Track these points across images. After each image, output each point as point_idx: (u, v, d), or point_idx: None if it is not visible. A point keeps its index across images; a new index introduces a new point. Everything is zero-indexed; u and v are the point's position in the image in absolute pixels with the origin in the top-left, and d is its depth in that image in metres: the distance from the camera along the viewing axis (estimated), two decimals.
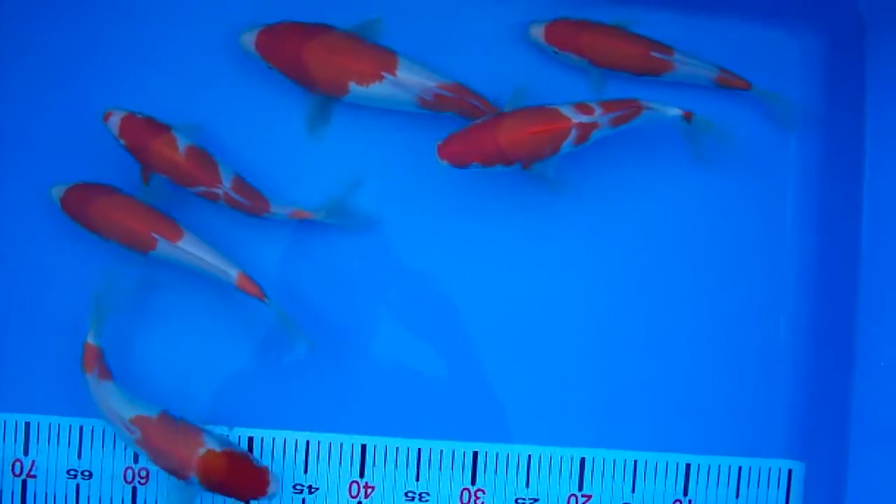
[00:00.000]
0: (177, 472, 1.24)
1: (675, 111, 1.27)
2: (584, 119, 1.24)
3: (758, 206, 1.37)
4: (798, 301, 1.37)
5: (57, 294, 1.32)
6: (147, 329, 1.32)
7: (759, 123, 1.36)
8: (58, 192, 1.26)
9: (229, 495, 1.26)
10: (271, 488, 1.26)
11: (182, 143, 1.25)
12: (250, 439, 1.32)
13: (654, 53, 1.32)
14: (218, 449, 1.24)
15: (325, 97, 1.30)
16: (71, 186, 1.26)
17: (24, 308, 1.32)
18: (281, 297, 1.30)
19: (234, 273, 1.26)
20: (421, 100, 1.28)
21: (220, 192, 1.26)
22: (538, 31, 1.32)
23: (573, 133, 1.24)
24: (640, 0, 1.34)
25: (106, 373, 1.25)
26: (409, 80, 1.27)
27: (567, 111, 1.24)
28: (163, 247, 1.25)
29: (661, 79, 1.33)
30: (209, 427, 1.29)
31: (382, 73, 1.27)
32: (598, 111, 1.25)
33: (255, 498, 1.26)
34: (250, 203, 1.28)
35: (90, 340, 1.25)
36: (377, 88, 1.27)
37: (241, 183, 1.28)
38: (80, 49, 1.33)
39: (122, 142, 1.25)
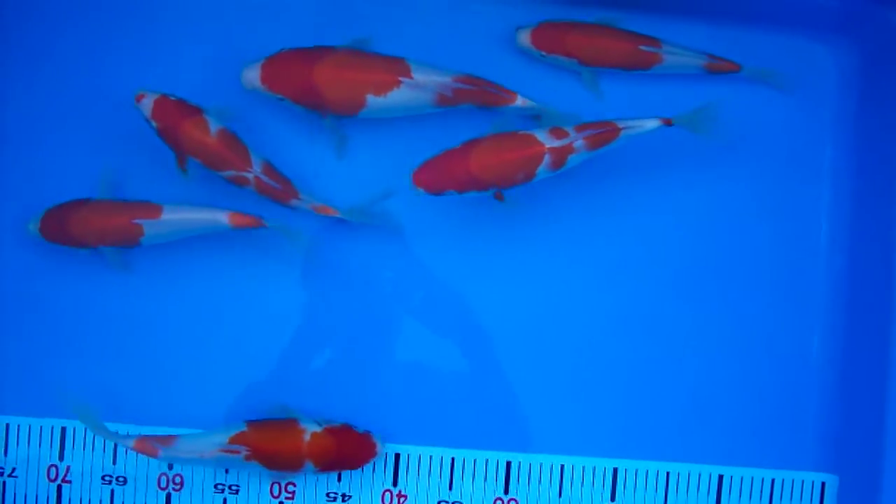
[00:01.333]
0: (292, 466, 1.24)
1: (653, 123, 1.26)
2: (558, 143, 1.24)
3: (791, 216, 1.37)
4: (831, 311, 1.36)
5: (97, 301, 1.33)
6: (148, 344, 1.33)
7: (793, 134, 1.37)
8: (34, 225, 1.27)
9: (344, 468, 1.27)
10: (378, 449, 1.26)
11: (214, 126, 1.25)
12: None
13: (642, 47, 1.32)
14: (319, 429, 1.25)
15: (337, 118, 1.30)
16: (43, 215, 1.27)
17: (65, 314, 1.33)
18: (308, 302, 1.31)
19: (224, 216, 1.25)
20: (440, 97, 1.28)
21: (250, 176, 1.26)
22: (525, 37, 1.33)
23: (547, 158, 1.24)
24: (672, 12, 1.35)
25: (163, 439, 1.25)
26: (426, 79, 1.27)
27: (541, 136, 1.24)
28: (149, 229, 1.25)
29: (651, 72, 1.33)
30: None
31: (399, 79, 1.27)
32: (572, 135, 1.24)
33: (366, 463, 1.27)
34: (280, 188, 1.28)
35: (132, 445, 1.25)
36: (396, 95, 1.27)
37: (271, 168, 1.28)
38: (112, 31, 1.33)
39: (153, 124, 1.25)
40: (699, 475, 1.35)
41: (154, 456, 1.24)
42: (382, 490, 1.33)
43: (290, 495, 1.32)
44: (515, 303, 1.35)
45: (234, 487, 1.32)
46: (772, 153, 1.35)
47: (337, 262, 1.34)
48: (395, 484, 1.33)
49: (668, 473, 1.35)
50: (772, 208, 1.36)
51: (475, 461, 1.33)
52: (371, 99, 1.27)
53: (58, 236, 1.26)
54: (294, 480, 1.32)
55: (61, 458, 1.31)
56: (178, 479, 1.31)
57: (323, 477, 1.32)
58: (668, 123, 1.26)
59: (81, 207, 1.26)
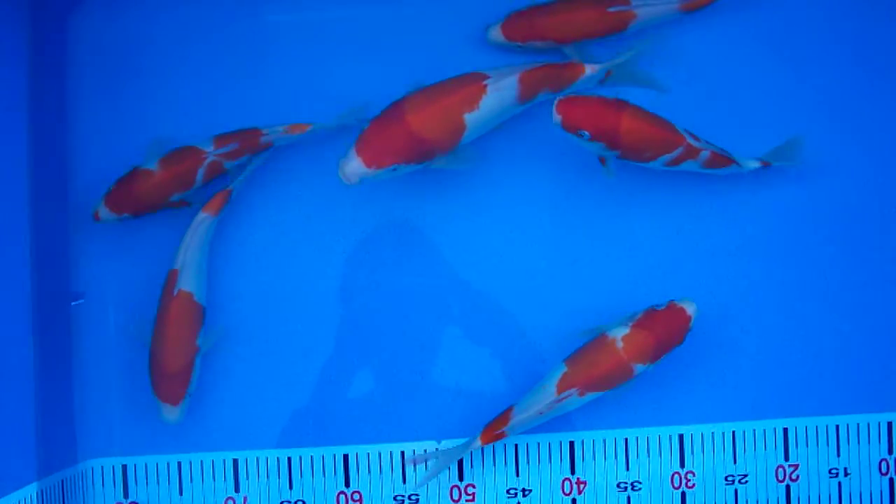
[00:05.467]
0: (625, 378, 1.23)
1: (753, 163, 1.28)
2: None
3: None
4: None
5: None
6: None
7: None
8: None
9: (672, 348, 1.24)
10: (690, 311, 1.23)
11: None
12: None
13: (610, 9, 1.28)
14: (626, 330, 1.23)
15: (448, 156, 1.24)
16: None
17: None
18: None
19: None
20: (522, 90, 1.23)
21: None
22: (496, 33, 1.30)
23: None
24: None
25: (500, 420, 1.25)
26: (502, 74, 1.22)
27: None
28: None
29: (630, 29, 1.29)
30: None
31: (483, 83, 1.21)
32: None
33: (688, 331, 1.24)
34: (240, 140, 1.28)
35: (479, 443, 1.25)
36: (487, 102, 1.21)
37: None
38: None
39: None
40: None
41: (504, 437, 1.24)
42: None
43: (470, 497, 1.32)
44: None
45: (412, 497, 1.32)
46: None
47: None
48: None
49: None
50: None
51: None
52: (468, 118, 1.21)
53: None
54: (473, 483, 1.32)
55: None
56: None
57: (501, 475, 1.31)
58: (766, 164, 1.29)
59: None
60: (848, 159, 1.34)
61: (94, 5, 1.32)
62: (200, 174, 1.26)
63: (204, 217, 1.26)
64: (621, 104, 1.22)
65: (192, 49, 1.33)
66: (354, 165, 1.17)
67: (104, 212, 1.26)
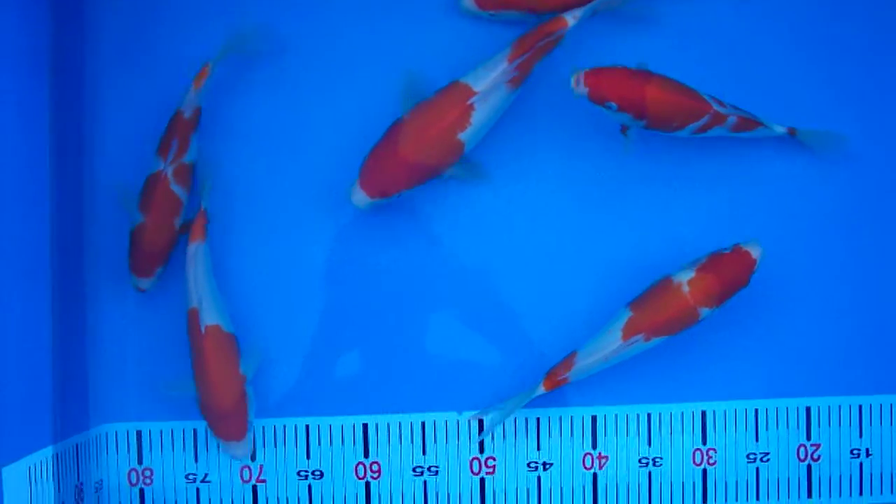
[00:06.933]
0: (690, 322, 1.22)
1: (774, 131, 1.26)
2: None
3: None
4: None
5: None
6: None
7: None
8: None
9: (737, 291, 1.23)
10: (755, 253, 1.22)
11: None
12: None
13: None
14: (692, 274, 1.22)
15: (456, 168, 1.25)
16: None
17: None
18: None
19: None
20: (512, 80, 1.22)
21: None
22: (468, 1, 1.27)
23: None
24: None
25: (565, 364, 1.24)
26: (486, 76, 1.21)
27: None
28: None
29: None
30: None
31: (469, 101, 1.20)
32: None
33: (753, 272, 1.23)
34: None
35: (543, 388, 1.24)
36: (478, 115, 1.21)
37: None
38: None
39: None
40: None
41: (566, 382, 1.23)
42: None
43: (490, 470, 1.30)
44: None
45: (432, 469, 1.30)
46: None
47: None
48: (594, 446, 1.31)
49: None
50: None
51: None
52: (463, 136, 1.21)
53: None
54: (494, 455, 1.30)
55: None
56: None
57: (522, 448, 1.30)
58: (792, 133, 1.28)
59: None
60: (880, 151, 1.34)
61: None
62: (179, 191, 1.23)
63: (195, 247, 1.22)
64: (647, 74, 1.20)
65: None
66: (361, 197, 1.22)
67: (145, 283, 1.24)
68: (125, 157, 1.28)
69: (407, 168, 1.21)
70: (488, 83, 1.21)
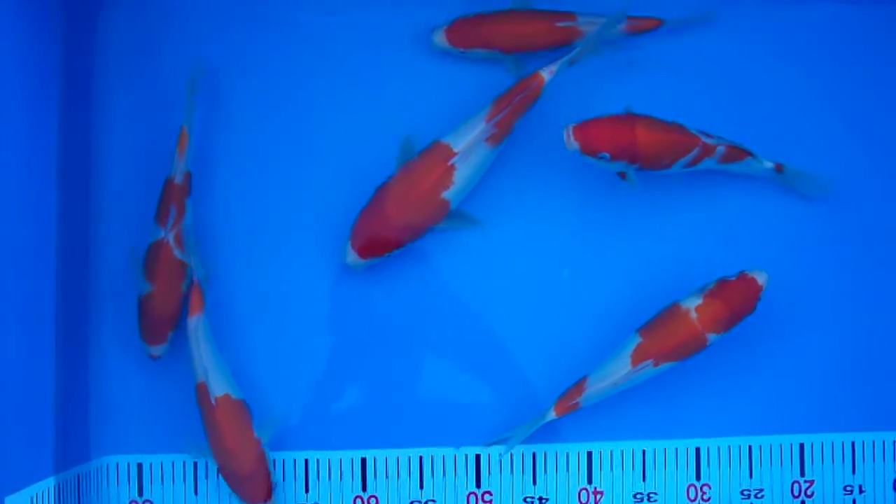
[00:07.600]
0: (698, 348, 1.24)
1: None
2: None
3: None
4: None
5: None
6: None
7: None
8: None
9: (743, 318, 1.25)
10: (761, 280, 1.24)
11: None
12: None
13: (558, 24, 1.29)
14: (699, 300, 1.24)
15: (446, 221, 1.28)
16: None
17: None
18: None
19: None
20: (492, 137, 1.24)
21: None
22: (440, 37, 1.30)
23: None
24: None
25: (574, 391, 1.26)
26: (464, 138, 1.24)
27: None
28: None
29: (573, 46, 1.28)
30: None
31: (449, 162, 1.23)
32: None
33: (759, 300, 1.25)
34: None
35: (554, 414, 1.26)
36: (460, 174, 1.24)
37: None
38: None
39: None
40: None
41: (577, 408, 1.25)
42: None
43: None
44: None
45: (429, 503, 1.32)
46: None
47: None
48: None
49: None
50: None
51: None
52: (447, 194, 1.25)
53: None
54: (490, 489, 1.31)
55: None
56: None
57: (518, 483, 1.31)
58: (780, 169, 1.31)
59: None
60: (873, 182, 1.37)
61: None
62: (181, 256, 1.26)
63: (195, 320, 1.24)
64: (632, 118, 1.23)
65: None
66: (353, 258, 1.26)
67: (158, 350, 1.26)
68: (132, 170, 1.30)
69: (395, 229, 1.25)
70: (468, 143, 1.24)
